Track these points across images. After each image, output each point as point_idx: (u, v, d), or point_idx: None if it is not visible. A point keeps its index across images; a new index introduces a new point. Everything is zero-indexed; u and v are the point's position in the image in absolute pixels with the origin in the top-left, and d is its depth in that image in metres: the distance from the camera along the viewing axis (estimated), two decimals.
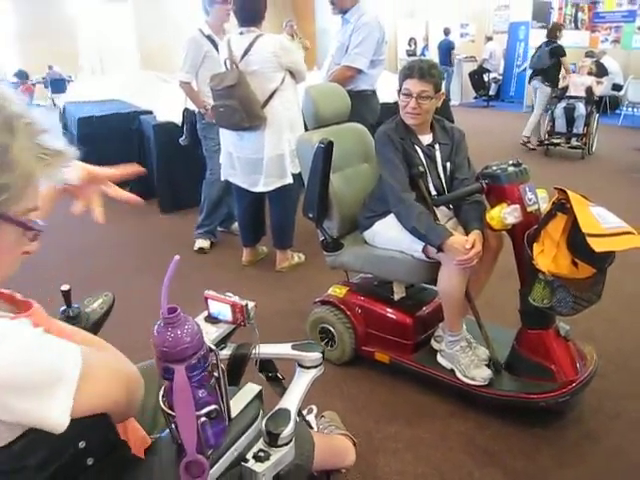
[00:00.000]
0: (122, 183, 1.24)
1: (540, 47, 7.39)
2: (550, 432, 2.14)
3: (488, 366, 2.22)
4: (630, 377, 2.47)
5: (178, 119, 4.32)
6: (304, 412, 1.77)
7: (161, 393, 0.84)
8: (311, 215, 2.49)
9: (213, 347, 0.85)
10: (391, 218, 2.34)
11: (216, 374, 0.85)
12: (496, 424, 2.18)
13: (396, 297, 2.49)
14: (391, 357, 2.43)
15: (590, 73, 7.09)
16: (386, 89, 4.38)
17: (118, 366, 0.87)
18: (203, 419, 0.81)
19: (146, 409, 1.12)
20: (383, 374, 2.49)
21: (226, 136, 3.46)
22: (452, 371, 2.27)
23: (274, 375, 1.36)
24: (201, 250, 4.01)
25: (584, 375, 2.11)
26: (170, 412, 0.81)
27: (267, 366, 1.33)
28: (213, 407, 0.82)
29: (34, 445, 0.70)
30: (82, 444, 0.76)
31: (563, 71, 7.16)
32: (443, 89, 2.36)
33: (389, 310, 2.46)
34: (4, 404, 0.68)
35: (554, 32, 7.18)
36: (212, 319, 1.21)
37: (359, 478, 1.94)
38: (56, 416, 0.71)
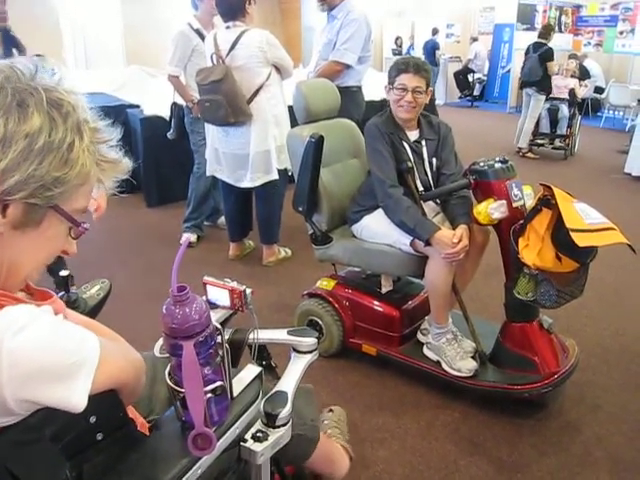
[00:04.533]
0: None
1: (528, 53, 7.07)
2: (533, 422, 2.19)
3: (473, 358, 2.27)
4: (610, 371, 2.53)
5: (165, 113, 4.29)
6: (325, 410, 1.78)
7: (167, 370, 0.87)
8: (301, 209, 2.50)
9: (219, 326, 0.87)
10: (379, 212, 2.36)
11: (221, 353, 0.88)
12: (481, 415, 2.23)
13: (383, 290, 2.52)
14: (378, 349, 2.46)
15: (573, 76, 7.14)
16: (372, 87, 4.41)
17: (127, 352, 0.92)
18: (209, 395, 0.84)
19: (141, 397, 1.15)
20: (370, 366, 2.52)
21: (212, 131, 3.45)
22: (438, 363, 2.31)
23: (268, 363, 1.38)
24: (188, 244, 3.99)
25: (566, 367, 2.17)
26: (177, 388, 0.84)
27: (261, 353, 1.35)
28: (219, 383, 0.85)
29: (49, 418, 0.73)
30: (93, 419, 0.79)
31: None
32: (431, 86, 2.40)
33: (376, 303, 2.49)
34: (32, 396, 0.71)
35: (548, 32, 6.84)
36: (210, 305, 1.23)
37: None
38: (77, 398, 0.74)
